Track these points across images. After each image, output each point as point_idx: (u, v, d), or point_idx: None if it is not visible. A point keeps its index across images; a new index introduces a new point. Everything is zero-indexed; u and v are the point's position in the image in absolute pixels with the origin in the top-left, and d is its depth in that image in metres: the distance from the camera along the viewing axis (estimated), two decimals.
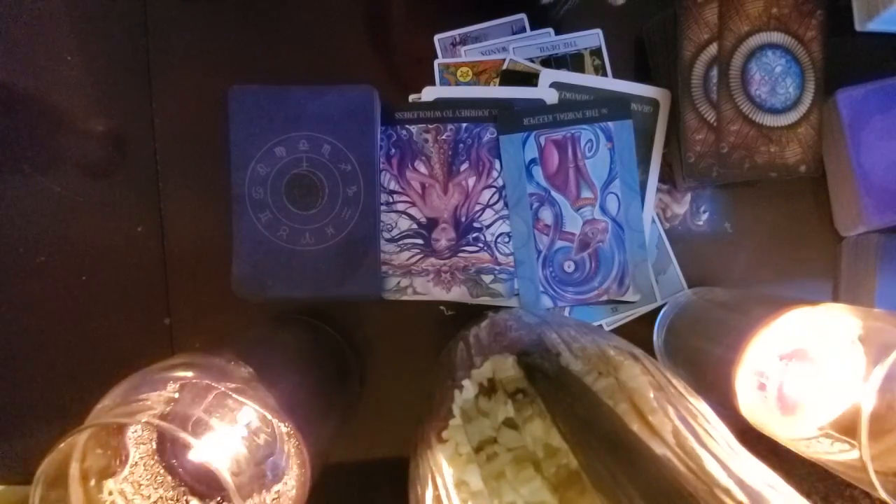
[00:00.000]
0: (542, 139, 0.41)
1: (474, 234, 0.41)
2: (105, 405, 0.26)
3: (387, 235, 0.41)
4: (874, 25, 0.39)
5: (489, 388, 0.25)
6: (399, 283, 0.41)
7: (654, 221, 0.42)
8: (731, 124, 0.39)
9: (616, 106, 0.40)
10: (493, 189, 0.41)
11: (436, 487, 0.21)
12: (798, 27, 0.38)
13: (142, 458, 0.29)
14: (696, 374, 0.37)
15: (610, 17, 0.42)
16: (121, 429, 0.29)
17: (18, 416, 0.42)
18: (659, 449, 0.20)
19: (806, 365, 0.33)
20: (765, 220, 0.43)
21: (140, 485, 0.29)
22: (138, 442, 0.29)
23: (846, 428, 0.31)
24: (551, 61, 0.41)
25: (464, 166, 0.41)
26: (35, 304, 0.42)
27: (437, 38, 0.41)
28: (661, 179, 0.42)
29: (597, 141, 0.41)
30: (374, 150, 0.39)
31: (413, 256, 0.41)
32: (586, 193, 0.41)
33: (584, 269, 0.41)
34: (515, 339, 0.27)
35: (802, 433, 0.32)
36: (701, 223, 0.43)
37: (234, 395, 0.27)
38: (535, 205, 0.41)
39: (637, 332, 0.42)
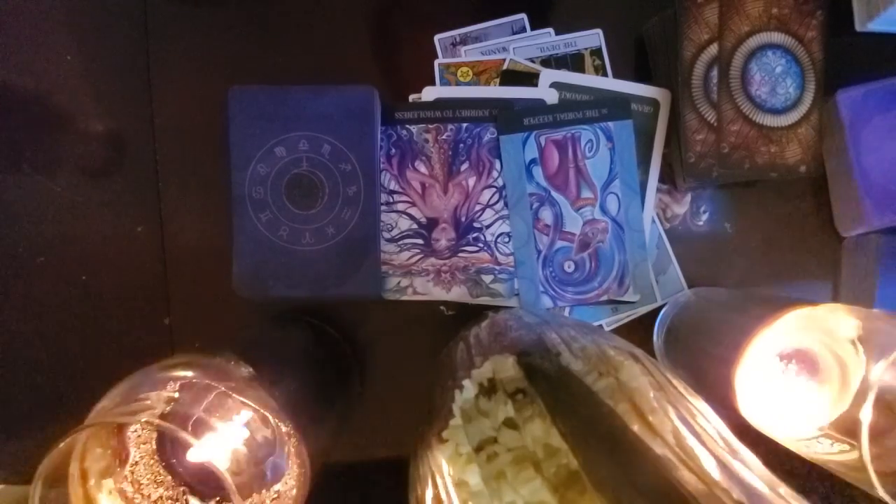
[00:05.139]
0: (542, 139, 0.41)
1: (474, 234, 0.41)
2: (105, 405, 0.26)
3: (387, 235, 0.41)
4: (874, 25, 0.39)
5: (489, 388, 0.25)
6: (399, 283, 0.41)
7: (654, 221, 0.42)
8: (732, 124, 0.39)
9: (616, 106, 0.40)
10: (493, 189, 0.41)
11: (436, 487, 0.21)
12: (798, 27, 0.38)
13: (142, 457, 0.29)
14: (696, 374, 0.37)
15: (610, 17, 0.42)
16: (121, 428, 0.29)
17: (18, 415, 0.42)
18: (659, 449, 0.20)
19: (806, 365, 0.33)
20: (765, 220, 0.43)
21: (140, 484, 0.29)
22: (138, 441, 0.29)
23: (846, 428, 0.31)
24: (551, 61, 0.41)
25: (464, 166, 0.41)
26: (35, 304, 0.42)
27: (437, 38, 0.41)
28: (661, 179, 0.42)
29: (597, 141, 0.41)
30: (374, 150, 0.39)
31: (413, 256, 0.41)
32: (586, 193, 0.41)
33: (584, 269, 0.41)
34: (515, 339, 0.27)
35: (802, 433, 0.32)
36: (701, 223, 0.43)
37: (234, 395, 0.27)
38: (535, 205, 0.41)
39: (637, 332, 0.42)
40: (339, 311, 0.42)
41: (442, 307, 0.42)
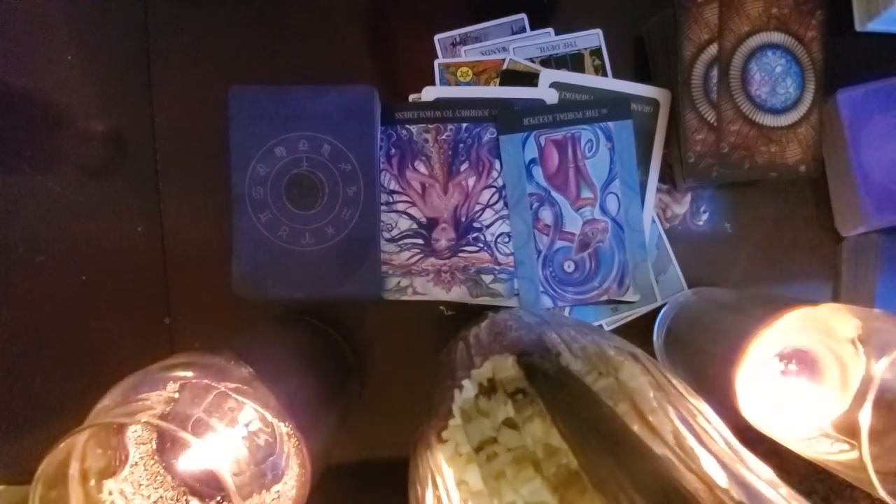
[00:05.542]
0: (542, 139, 0.41)
1: (474, 234, 0.41)
2: (105, 405, 0.26)
3: (387, 235, 0.41)
4: (874, 25, 0.39)
5: (489, 388, 0.25)
6: (399, 283, 0.41)
7: (654, 221, 0.42)
8: (731, 124, 0.39)
9: (616, 106, 0.40)
10: (493, 189, 0.41)
11: (436, 487, 0.21)
12: (798, 27, 0.38)
13: (142, 458, 0.29)
14: (696, 374, 0.37)
15: (610, 17, 0.42)
16: (121, 429, 0.29)
17: (18, 416, 0.42)
18: (659, 449, 0.20)
19: (806, 365, 0.33)
20: (765, 220, 0.43)
21: (140, 485, 0.29)
22: (138, 442, 0.29)
23: (846, 428, 0.31)
24: (551, 61, 0.41)
25: (464, 166, 0.41)
26: (35, 304, 0.42)
27: (437, 38, 0.41)
28: (661, 179, 0.42)
29: (597, 141, 0.41)
30: (374, 150, 0.39)
31: (413, 256, 0.41)
32: (586, 193, 0.41)
33: (584, 269, 0.41)
34: (515, 339, 0.27)
35: (802, 433, 0.32)
36: (701, 223, 0.43)
37: (235, 395, 0.27)
38: (535, 205, 0.41)
39: (637, 332, 0.42)
40: (339, 311, 0.42)
41: (442, 307, 0.42)
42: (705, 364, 0.35)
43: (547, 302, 0.41)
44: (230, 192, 0.38)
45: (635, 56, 0.42)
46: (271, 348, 0.37)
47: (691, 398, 0.22)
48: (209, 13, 0.41)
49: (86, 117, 0.41)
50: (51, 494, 0.24)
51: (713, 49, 0.38)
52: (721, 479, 0.18)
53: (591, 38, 0.41)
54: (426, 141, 0.41)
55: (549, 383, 0.24)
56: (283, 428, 0.28)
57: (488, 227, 0.41)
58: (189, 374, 0.27)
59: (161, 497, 0.29)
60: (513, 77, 0.41)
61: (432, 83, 0.41)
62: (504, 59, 0.41)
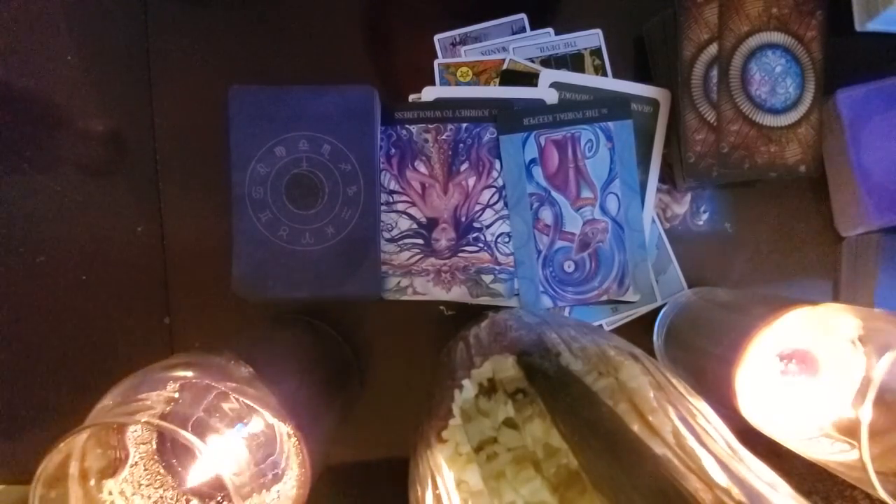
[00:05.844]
0: (542, 139, 0.41)
1: (474, 234, 0.41)
2: (105, 405, 0.26)
3: (387, 235, 0.41)
4: (874, 25, 0.39)
5: (489, 388, 0.25)
6: (399, 283, 0.41)
7: (654, 221, 0.42)
8: (731, 124, 0.39)
9: (616, 106, 0.40)
10: (493, 189, 0.41)
11: (436, 487, 0.21)
12: (798, 27, 0.38)
13: (142, 458, 0.29)
14: (696, 374, 0.37)
15: (610, 17, 0.42)
16: (121, 429, 0.29)
17: (18, 416, 0.42)
18: (659, 449, 0.20)
19: (806, 365, 0.33)
20: (765, 220, 0.43)
21: (140, 485, 0.29)
22: (138, 442, 0.29)
23: (846, 428, 0.31)
24: (551, 61, 0.41)
25: (464, 166, 0.41)
26: (35, 304, 0.42)
27: (437, 38, 0.41)
28: (661, 179, 0.42)
29: (597, 141, 0.41)
30: (374, 149, 0.39)
31: (413, 256, 0.41)
32: (586, 193, 0.41)
33: (584, 269, 0.41)
34: (515, 339, 0.27)
35: (802, 433, 0.32)
36: (701, 223, 0.43)
37: (235, 395, 0.27)
38: (535, 205, 0.41)
39: (637, 332, 0.42)
40: (339, 311, 0.42)
41: (442, 307, 0.42)
42: (705, 364, 0.35)
43: (547, 302, 0.41)
44: (230, 192, 0.38)
45: (635, 56, 0.42)
46: (271, 348, 0.37)
47: (691, 398, 0.22)
48: (209, 13, 0.41)
49: (86, 117, 0.41)
50: (51, 494, 0.24)
51: (713, 49, 0.38)
52: (721, 479, 0.18)
53: (591, 38, 0.41)
54: (426, 141, 0.41)
55: (549, 383, 0.24)
56: (283, 428, 0.28)
57: (488, 227, 0.41)
58: (189, 374, 0.27)
59: (161, 497, 0.29)
60: (513, 77, 0.41)
61: (432, 83, 0.41)
62: (504, 59, 0.41)
